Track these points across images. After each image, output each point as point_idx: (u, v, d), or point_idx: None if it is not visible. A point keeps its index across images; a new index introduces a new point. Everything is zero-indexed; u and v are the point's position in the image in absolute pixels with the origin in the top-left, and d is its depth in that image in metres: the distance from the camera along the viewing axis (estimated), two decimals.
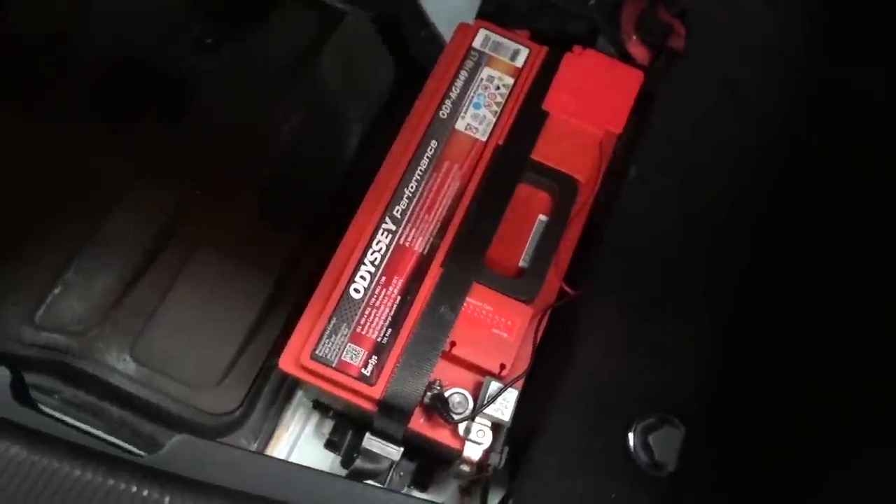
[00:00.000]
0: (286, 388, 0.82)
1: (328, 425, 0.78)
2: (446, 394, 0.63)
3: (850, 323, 0.58)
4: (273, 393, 0.82)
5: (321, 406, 0.76)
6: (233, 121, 0.97)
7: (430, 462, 0.72)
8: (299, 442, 0.80)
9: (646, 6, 0.78)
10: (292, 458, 0.80)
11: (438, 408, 0.62)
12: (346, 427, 0.74)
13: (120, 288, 0.83)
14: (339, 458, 0.76)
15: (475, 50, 0.76)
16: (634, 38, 0.78)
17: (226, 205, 0.91)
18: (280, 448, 0.80)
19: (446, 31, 0.98)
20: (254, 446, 0.80)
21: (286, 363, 0.65)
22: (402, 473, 0.71)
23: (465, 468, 0.64)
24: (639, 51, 0.78)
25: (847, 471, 0.50)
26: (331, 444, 0.75)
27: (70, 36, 0.97)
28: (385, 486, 0.70)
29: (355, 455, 0.73)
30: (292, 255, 0.89)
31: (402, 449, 0.68)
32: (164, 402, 0.79)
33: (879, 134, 0.65)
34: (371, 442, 0.69)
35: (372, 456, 0.69)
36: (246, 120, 0.98)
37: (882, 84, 0.67)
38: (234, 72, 1.00)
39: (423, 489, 0.75)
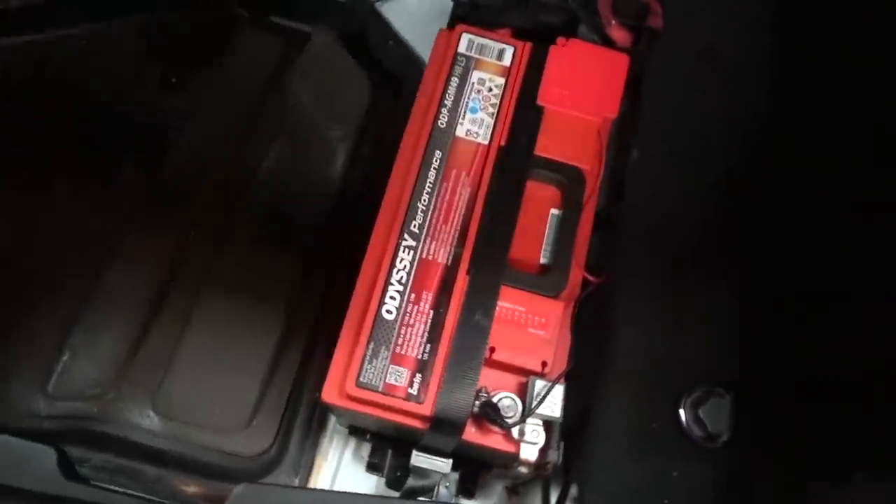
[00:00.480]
0: (318, 418, 0.81)
1: (366, 448, 0.78)
2: (495, 399, 0.63)
3: (867, 279, 0.61)
4: (305, 424, 0.81)
5: (357, 430, 0.75)
6: (213, 156, 0.96)
7: (474, 469, 0.73)
8: (340, 469, 0.80)
9: None
10: (337, 487, 0.79)
11: (490, 415, 0.62)
12: (384, 447, 0.74)
13: (129, 343, 0.82)
14: (382, 480, 0.76)
15: (461, 55, 0.76)
16: (614, 22, 0.79)
17: (222, 242, 0.90)
18: (322, 478, 0.79)
19: (414, 39, 0.98)
20: (296, 481, 0.79)
21: (329, 395, 0.64)
22: (447, 484, 0.71)
23: (524, 470, 0.64)
24: (620, 34, 0.79)
25: None
26: (372, 467, 0.75)
27: (31, 94, 0.94)
28: (434, 499, 0.71)
29: (399, 473, 0.73)
30: (298, 284, 0.88)
31: (450, 461, 0.69)
32: (197, 452, 0.78)
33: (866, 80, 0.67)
34: (419, 458, 0.69)
35: (421, 472, 0.69)
36: (226, 153, 0.96)
37: (859, 33, 0.70)
38: (206, 107, 0.98)
39: (470, 496, 0.75)
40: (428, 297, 0.66)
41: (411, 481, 0.69)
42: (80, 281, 0.83)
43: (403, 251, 0.67)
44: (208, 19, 1.04)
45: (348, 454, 0.80)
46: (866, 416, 0.55)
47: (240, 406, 0.80)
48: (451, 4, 0.85)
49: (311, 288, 0.89)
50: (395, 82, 1.01)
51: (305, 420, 0.81)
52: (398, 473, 0.73)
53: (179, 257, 0.87)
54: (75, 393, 0.78)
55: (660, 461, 0.60)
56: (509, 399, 0.63)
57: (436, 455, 0.69)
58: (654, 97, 0.74)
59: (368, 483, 0.79)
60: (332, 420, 0.81)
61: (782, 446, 0.59)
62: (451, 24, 0.83)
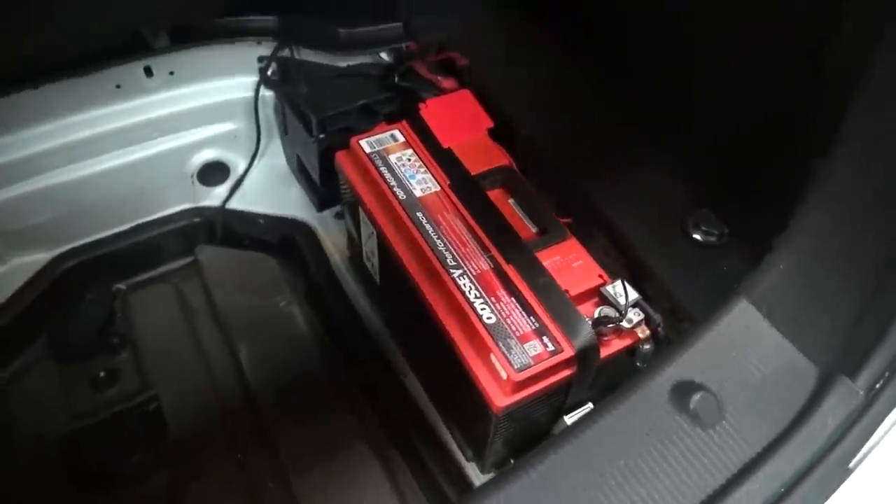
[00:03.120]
0: None
1: None
2: (599, 313, 0.80)
3: None
4: None
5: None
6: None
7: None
8: None
9: (424, 57, 1.05)
10: None
11: (605, 321, 0.79)
12: None
13: None
14: None
15: (370, 154, 0.94)
16: (439, 77, 1.04)
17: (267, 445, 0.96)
18: None
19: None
20: None
21: (500, 400, 0.75)
22: None
23: (647, 346, 0.81)
24: (448, 83, 1.04)
25: None
26: None
27: None
28: None
29: None
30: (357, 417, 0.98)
31: (591, 404, 0.84)
32: None
33: None
34: (571, 418, 0.82)
35: None
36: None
37: None
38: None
39: None
40: (501, 292, 0.81)
41: None
42: None
43: (460, 279, 0.82)
44: None
45: None
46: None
47: None
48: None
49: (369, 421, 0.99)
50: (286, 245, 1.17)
51: None
52: None
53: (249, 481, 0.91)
54: None
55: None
56: (606, 308, 0.81)
57: (578, 407, 0.83)
58: None
59: None
60: None
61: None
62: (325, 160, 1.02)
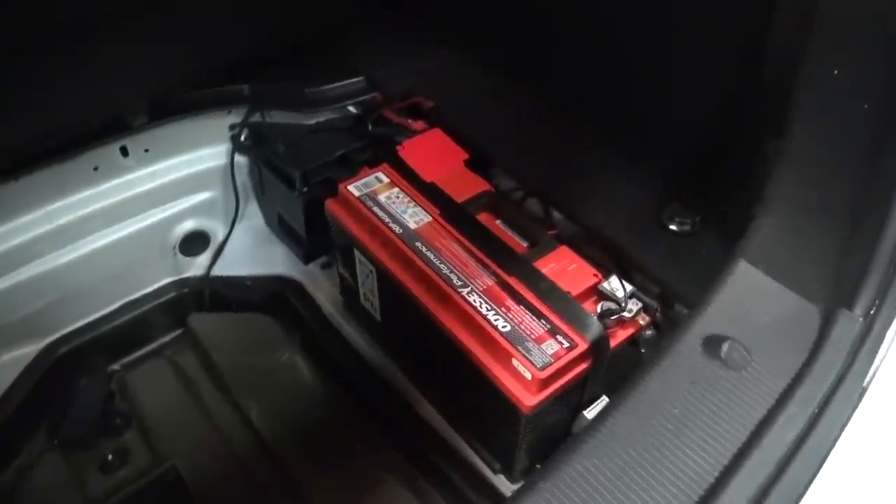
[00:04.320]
0: None
1: None
2: (602, 308, 0.87)
3: None
4: None
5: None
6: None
7: None
8: None
9: (391, 105, 1.13)
10: None
11: (608, 313, 0.85)
12: None
13: None
14: None
15: (361, 196, 1.00)
16: (409, 120, 1.11)
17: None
18: None
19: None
20: None
21: (528, 399, 0.80)
22: None
23: (650, 332, 0.88)
24: (418, 125, 1.12)
25: None
26: None
27: None
28: None
29: None
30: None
31: (605, 397, 0.90)
32: None
33: None
34: (591, 412, 0.88)
35: None
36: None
37: None
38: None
39: None
40: (509, 302, 0.87)
41: None
42: None
43: (469, 296, 0.87)
44: None
45: None
46: None
47: None
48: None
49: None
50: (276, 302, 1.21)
51: None
52: None
53: None
54: None
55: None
56: (606, 303, 0.88)
57: (593, 402, 0.89)
58: None
59: None
60: None
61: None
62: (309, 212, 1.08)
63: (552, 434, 0.91)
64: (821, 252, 0.62)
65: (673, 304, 0.92)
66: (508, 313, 0.85)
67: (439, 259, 0.91)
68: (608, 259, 0.95)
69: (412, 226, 0.96)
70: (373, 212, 0.98)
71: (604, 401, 0.92)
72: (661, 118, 0.96)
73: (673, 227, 0.95)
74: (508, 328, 0.84)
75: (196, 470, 1.01)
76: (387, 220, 0.97)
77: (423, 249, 0.93)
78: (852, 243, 0.61)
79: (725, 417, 0.52)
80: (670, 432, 0.52)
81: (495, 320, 0.85)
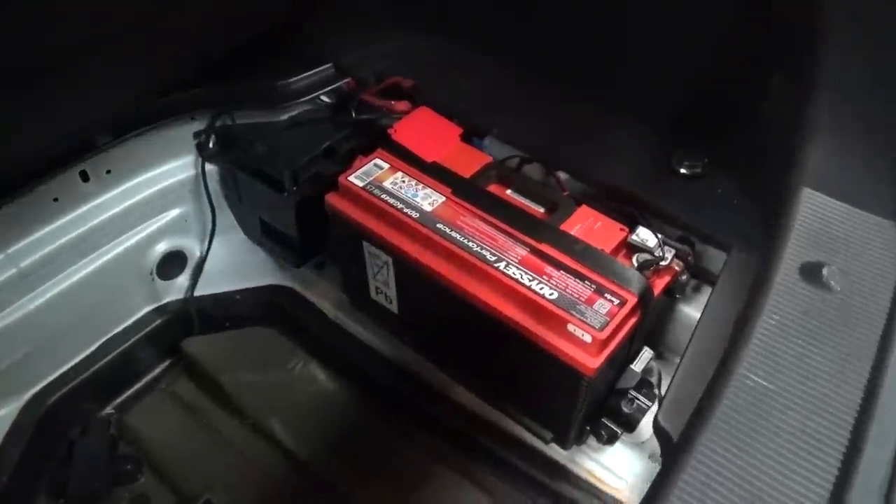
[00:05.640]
0: None
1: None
2: (638, 260, 0.87)
3: None
4: None
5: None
6: None
7: None
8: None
9: (368, 89, 1.08)
10: None
11: (647, 265, 0.86)
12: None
13: None
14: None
15: (366, 187, 0.95)
16: (392, 102, 1.07)
17: None
18: None
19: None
20: None
21: (591, 363, 0.79)
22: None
23: (684, 277, 0.89)
24: (402, 106, 1.07)
25: None
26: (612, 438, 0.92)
27: None
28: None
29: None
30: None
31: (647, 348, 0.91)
32: None
33: None
34: (643, 358, 0.89)
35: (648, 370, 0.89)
36: None
37: None
38: None
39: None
40: (548, 269, 0.85)
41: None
42: None
43: (507, 269, 0.85)
44: None
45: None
46: None
47: None
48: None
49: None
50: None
51: None
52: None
53: None
54: None
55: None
56: (642, 255, 0.88)
57: (637, 356, 0.90)
58: None
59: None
60: None
61: None
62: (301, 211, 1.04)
63: (601, 395, 0.91)
64: (879, 170, 0.64)
65: (693, 245, 0.93)
66: (551, 280, 0.84)
67: (466, 237, 0.89)
68: (625, 212, 0.95)
69: (427, 208, 0.92)
70: (382, 200, 0.94)
71: (647, 353, 0.92)
72: (655, 65, 0.97)
73: (684, 171, 0.96)
74: (556, 295, 0.82)
75: (236, 501, 0.95)
76: (399, 206, 0.93)
77: (447, 230, 0.90)
78: None
79: (848, 338, 0.53)
80: (798, 366, 0.52)
81: (540, 289, 0.83)
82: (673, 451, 0.59)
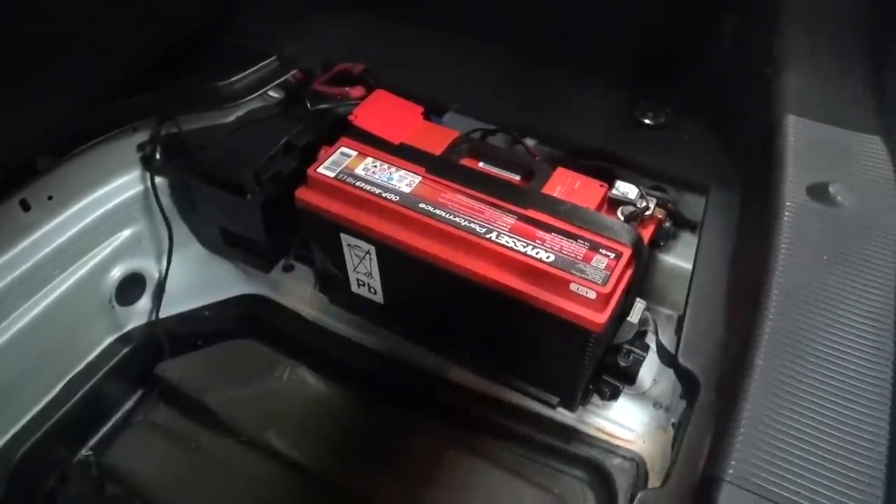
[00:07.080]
0: None
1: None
2: (623, 212, 0.88)
3: None
4: None
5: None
6: None
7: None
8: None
9: (318, 78, 1.05)
10: None
11: (633, 216, 0.87)
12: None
13: None
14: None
15: (338, 175, 0.92)
16: (346, 88, 1.04)
17: None
18: None
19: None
20: None
21: (597, 318, 0.80)
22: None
23: (667, 224, 0.91)
24: (356, 91, 1.04)
25: None
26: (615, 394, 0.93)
27: None
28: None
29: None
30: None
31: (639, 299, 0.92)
32: None
33: None
34: (638, 308, 0.90)
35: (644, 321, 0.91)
36: None
37: None
38: None
39: None
40: (540, 233, 0.85)
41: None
42: None
43: (499, 239, 0.84)
44: None
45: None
46: None
47: None
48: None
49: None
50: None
51: None
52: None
53: None
54: None
55: None
56: (626, 207, 0.88)
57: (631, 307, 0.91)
58: None
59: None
60: None
61: None
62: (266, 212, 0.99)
63: (602, 351, 0.92)
64: (856, 90, 0.66)
65: (665, 191, 0.95)
66: (545, 244, 0.84)
67: (452, 214, 0.87)
68: (600, 168, 0.96)
69: (406, 189, 0.90)
70: (358, 187, 0.91)
71: (640, 304, 0.94)
72: (607, 21, 0.98)
73: (648, 122, 0.98)
74: (553, 257, 0.82)
75: None
76: (377, 191, 0.90)
77: (432, 209, 0.88)
78: (882, 77, 0.66)
79: (869, 253, 0.54)
80: (830, 283, 0.53)
81: (536, 254, 0.83)
82: (706, 388, 0.60)
